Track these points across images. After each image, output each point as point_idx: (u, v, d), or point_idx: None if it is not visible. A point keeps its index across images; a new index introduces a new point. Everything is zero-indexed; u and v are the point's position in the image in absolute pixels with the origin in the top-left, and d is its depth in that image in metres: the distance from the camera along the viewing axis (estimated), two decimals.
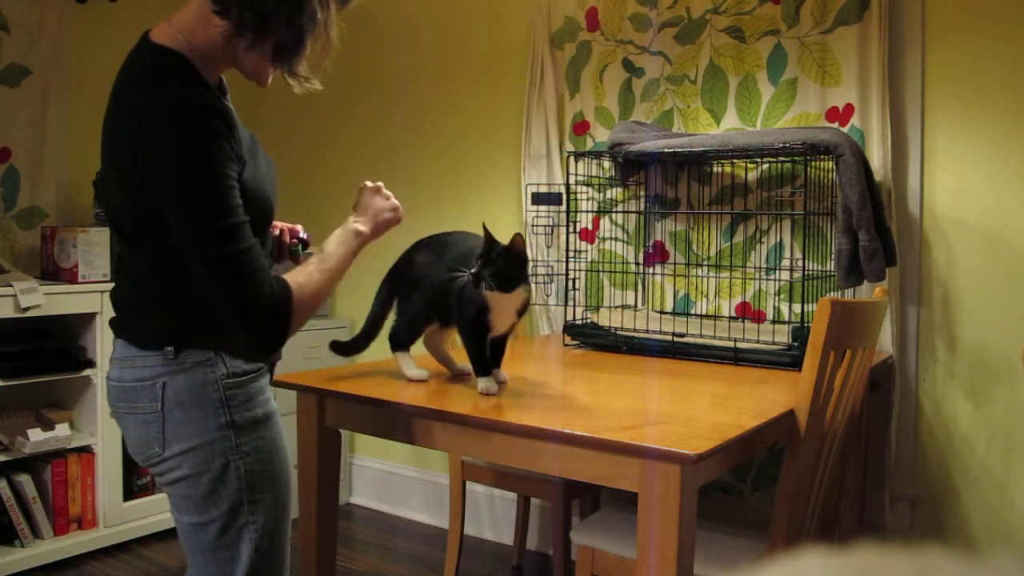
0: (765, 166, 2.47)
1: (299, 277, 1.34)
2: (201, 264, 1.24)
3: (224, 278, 1.24)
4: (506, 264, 1.65)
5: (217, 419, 1.34)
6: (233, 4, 1.23)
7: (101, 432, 2.83)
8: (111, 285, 2.77)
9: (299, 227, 1.62)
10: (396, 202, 1.54)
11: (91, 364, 2.82)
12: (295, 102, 3.62)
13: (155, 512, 2.99)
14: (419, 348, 1.85)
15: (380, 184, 1.54)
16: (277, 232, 1.57)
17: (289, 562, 1.48)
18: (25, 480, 2.71)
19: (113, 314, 1.43)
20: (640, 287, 2.70)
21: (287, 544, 1.46)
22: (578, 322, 2.48)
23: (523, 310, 1.73)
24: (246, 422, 1.37)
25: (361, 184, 1.54)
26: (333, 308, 3.56)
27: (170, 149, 1.20)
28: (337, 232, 1.46)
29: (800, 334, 2.07)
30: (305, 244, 1.61)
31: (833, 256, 2.23)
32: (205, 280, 1.25)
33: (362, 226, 1.48)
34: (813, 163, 2.23)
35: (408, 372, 1.82)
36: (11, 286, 2.60)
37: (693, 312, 2.59)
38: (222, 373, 1.34)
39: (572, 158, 2.56)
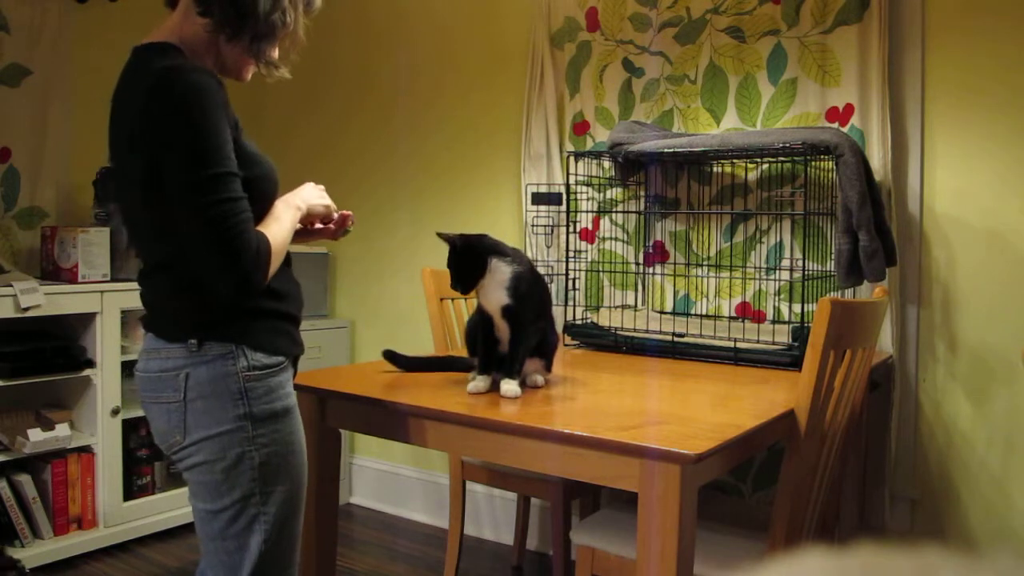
0: (765, 166, 2.47)
1: (268, 232, 1.40)
2: (192, 210, 1.30)
3: (214, 223, 1.30)
4: (453, 262, 1.69)
5: (235, 410, 1.39)
6: (215, 4, 1.38)
7: (101, 432, 2.83)
8: (111, 285, 2.82)
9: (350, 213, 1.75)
10: (331, 202, 1.65)
11: (91, 364, 2.81)
12: (296, 105, 3.64)
13: (155, 512, 2.99)
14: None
15: (322, 187, 1.65)
16: (337, 215, 1.69)
17: (298, 557, 1.50)
18: (25, 480, 2.71)
19: (141, 316, 1.51)
20: (640, 287, 2.70)
21: (298, 539, 1.49)
22: (578, 322, 2.48)
23: (519, 286, 1.69)
24: (264, 414, 1.41)
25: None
26: (333, 308, 3.56)
27: (171, 102, 1.30)
28: (280, 202, 1.50)
29: (800, 334, 2.07)
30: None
31: (833, 256, 2.23)
32: (196, 227, 1.30)
33: (303, 206, 1.56)
34: (813, 163, 2.23)
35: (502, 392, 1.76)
36: (11, 286, 2.60)
37: (693, 312, 2.59)
38: (243, 366, 1.40)
39: (572, 158, 2.57)
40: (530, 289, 1.71)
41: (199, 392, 1.38)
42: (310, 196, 1.60)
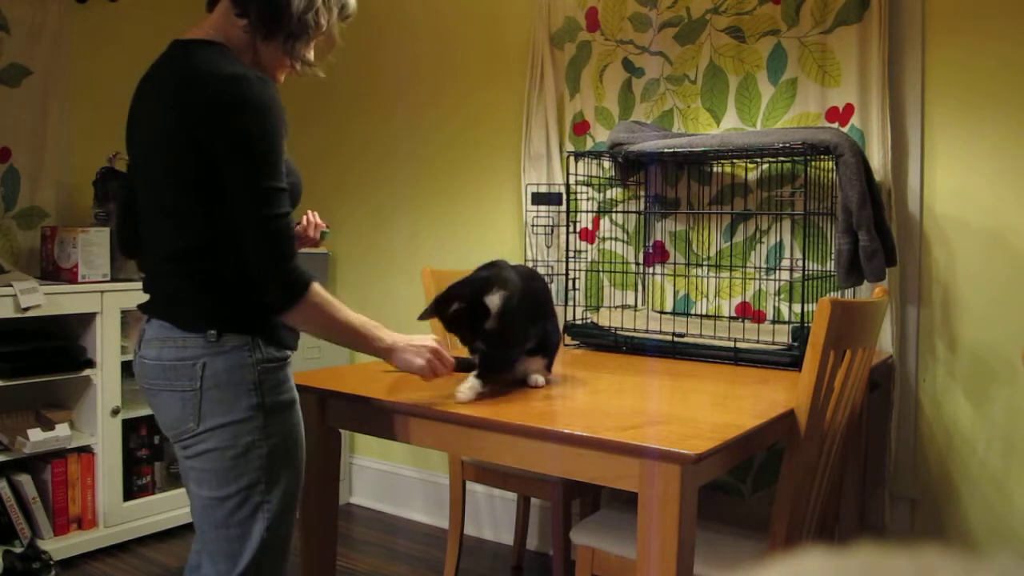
0: (765, 166, 2.47)
1: (325, 294, 1.47)
2: (256, 218, 1.36)
3: (274, 237, 1.38)
4: (487, 342, 1.64)
5: (249, 400, 1.42)
6: (251, 4, 1.43)
7: (101, 432, 2.83)
8: (111, 285, 2.82)
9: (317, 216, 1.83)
10: (431, 366, 1.59)
11: (91, 364, 2.81)
12: (296, 106, 3.63)
13: (155, 512, 2.99)
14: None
15: (438, 351, 1.61)
16: (306, 218, 1.75)
17: (291, 546, 1.54)
18: (25, 480, 2.71)
19: (142, 304, 1.52)
20: (640, 287, 2.70)
21: (293, 528, 1.53)
22: (578, 322, 2.48)
23: (505, 311, 1.64)
24: (274, 406, 1.46)
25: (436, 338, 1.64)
26: None
27: (248, 111, 1.36)
28: (374, 323, 1.55)
29: (800, 334, 2.07)
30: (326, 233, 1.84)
31: (833, 256, 2.23)
32: (256, 234, 1.37)
33: (389, 340, 1.56)
34: (813, 163, 2.23)
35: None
36: (11, 286, 2.60)
37: (693, 312, 2.59)
38: (258, 358, 1.44)
39: (572, 158, 2.57)
40: (513, 317, 1.65)
41: (215, 381, 1.41)
42: (409, 344, 1.58)
